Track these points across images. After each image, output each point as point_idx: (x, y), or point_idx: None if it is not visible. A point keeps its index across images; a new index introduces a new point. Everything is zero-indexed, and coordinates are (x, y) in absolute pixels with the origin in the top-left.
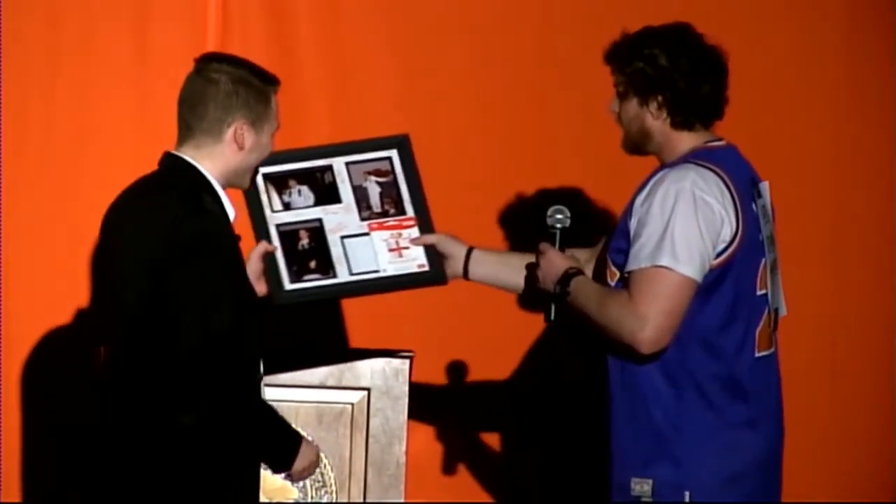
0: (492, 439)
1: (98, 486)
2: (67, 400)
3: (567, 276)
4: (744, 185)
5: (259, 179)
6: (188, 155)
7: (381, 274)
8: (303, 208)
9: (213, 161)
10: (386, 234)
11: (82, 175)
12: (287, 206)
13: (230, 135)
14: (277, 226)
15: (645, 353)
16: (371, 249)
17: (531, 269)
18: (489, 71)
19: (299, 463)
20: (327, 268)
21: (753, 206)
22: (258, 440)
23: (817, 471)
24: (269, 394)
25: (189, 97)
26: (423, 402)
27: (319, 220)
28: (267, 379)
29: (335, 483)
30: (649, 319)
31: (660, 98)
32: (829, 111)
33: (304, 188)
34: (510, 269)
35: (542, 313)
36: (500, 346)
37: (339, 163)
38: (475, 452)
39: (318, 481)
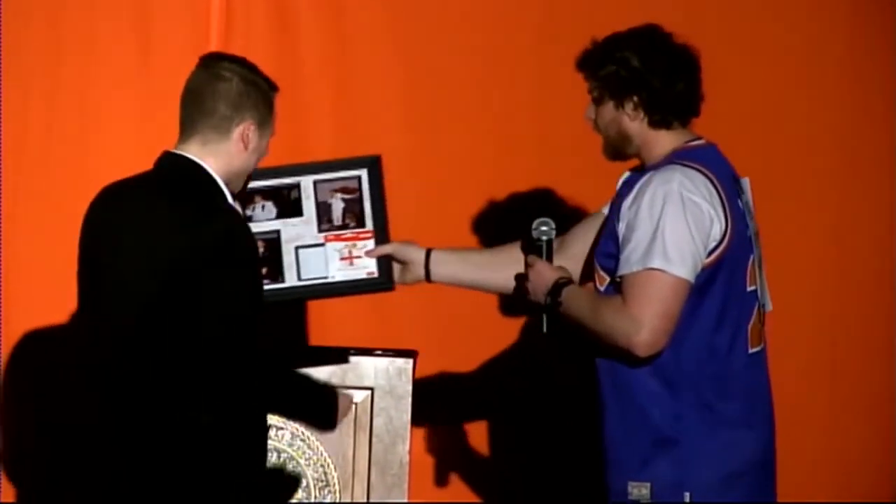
0: (495, 439)
1: (99, 487)
2: (67, 400)
3: (557, 287)
4: (728, 182)
5: None
6: (192, 152)
7: (329, 280)
8: (263, 221)
9: (217, 159)
10: (340, 244)
11: (84, 175)
12: (248, 220)
13: (238, 134)
14: None
15: (642, 357)
16: (323, 258)
17: (520, 281)
18: (492, 72)
19: (339, 416)
20: (276, 274)
21: (739, 202)
22: (302, 409)
23: (817, 471)
24: None
25: (198, 92)
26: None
27: (278, 231)
28: None
29: (338, 482)
30: (645, 322)
31: (635, 98)
32: (832, 110)
33: (269, 203)
34: (472, 267)
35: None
36: (505, 346)
37: (307, 180)
38: (478, 453)
39: (322, 481)
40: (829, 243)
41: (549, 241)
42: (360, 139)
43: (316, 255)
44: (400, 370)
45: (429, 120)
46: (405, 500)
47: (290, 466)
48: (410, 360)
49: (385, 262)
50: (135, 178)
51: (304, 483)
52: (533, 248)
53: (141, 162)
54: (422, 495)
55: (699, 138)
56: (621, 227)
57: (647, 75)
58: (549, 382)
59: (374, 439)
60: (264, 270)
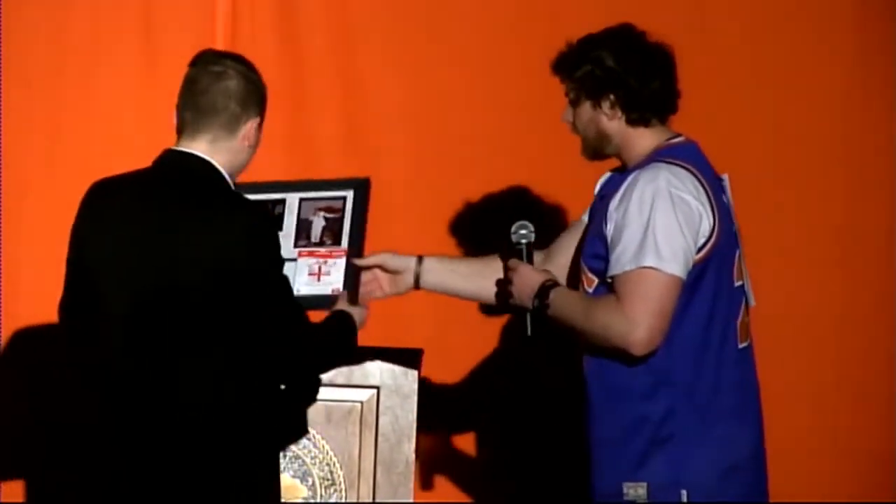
0: (497, 439)
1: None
2: (67, 400)
3: (544, 289)
4: (712, 179)
5: None
6: (201, 150)
7: (294, 293)
8: None
9: (224, 156)
10: (312, 260)
11: (89, 175)
12: None
13: (244, 131)
14: None
15: (638, 356)
16: (292, 272)
17: (502, 286)
18: (498, 73)
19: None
20: None
21: (724, 198)
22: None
23: (817, 470)
24: None
25: (203, 91)
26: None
27: None
28: None
29: (344, 482)
30: (640, 321)
31: (612, 97)
32: (836, 111)
33: None
34: (459, 277)
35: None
36: (510, 346)
37: (293, 198)
38: (481, 452)
39: (327, 479)
40: (833, 242)
41: (529, 245)
42: (364, 139)
43: (286, 270)
44: (406, 369)
45: (434, 120)
46: (411, 499)
47: (296, 465)
48: (416, 359)
49: (352, 280)
50: (134, 174)
51: (310, 482)
52: (512, 252)
53: (146, 161)
54: (427, 494)
55: (679, 136)
56: (609, 228)
57: (622, 74)
58: (538, 384)
59: (379, 438)
60: None
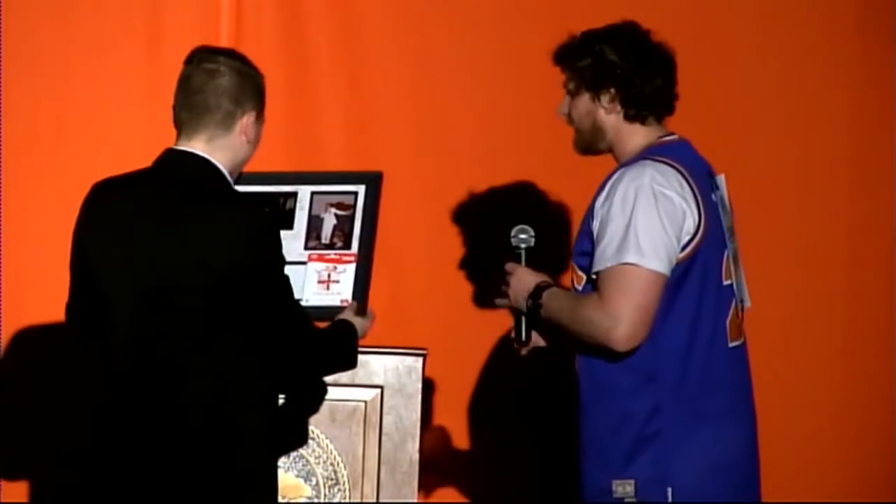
0: (499, 438)
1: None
2: (70, 400)
3: (538, 290)
4: (701, 177)
5: None
6: (199, 149)
7: (303, 303)
8: None
9: (223, 153)
10: (321, 265)
11: (92, 173)
12: None
13: (241, 127)
14: None
15: (620, 351)
16: (302, 279)
17: (501, 292)
18: (502, 70)
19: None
20: None
21: (713, 196)
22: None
23: (817, 471)
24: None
25: (197, 89)
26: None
27: None
28: None
29: (348, 481)
30: (622, 317)
31: (612, 91)
32: (839, 110)
33: None
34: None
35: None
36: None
37: (304, 191)
38: (483, 452)
39: (331, 479)
40: (835, 242)
41: (529, 249)
42: (370, 136)
43: (296, 275)
44: (410, 368)
45: (439, 114)
46: (415, 499)
47: (300, 465)
48: (420, 359)
49: (361, 288)
50: (134, 174)
51: (314, 482)
52: (512, 256)
53: (150, 158)
54: (431, 494)
55: (672, 134)
56: (595, 225)
57: (625, 68)
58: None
59: (383, 438)
60: None
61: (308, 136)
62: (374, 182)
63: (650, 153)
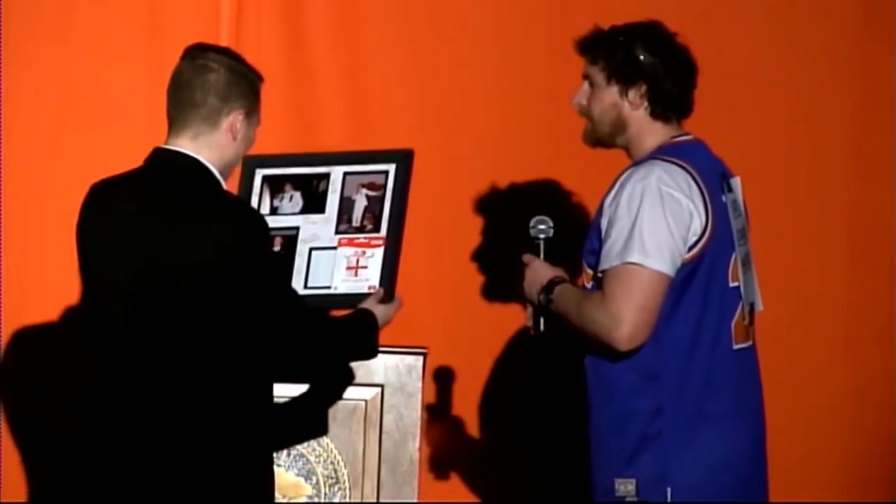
0: (500, 437)
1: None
2: (66, 399)
3: (551, 285)
4: (712, 178)
5: (257, 180)
6: (185, 146)
7: (331, 291)
8: (287, 215)
9: (210, 150)
10: (351, 251)
11: (93, 173)
12: (274, 211)
13: (227, 124)
14: None
15: (622, 350)
16: (331, 264)
17: (518, 282)
18: (503, 71)
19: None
20: None
21: (723, 198)
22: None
23: (817, 470)
24: (282, 390)
25: (185, 85)
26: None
27: (297, 228)
28: None
29: (348, 480)
30: (624, 317)
31: (643, 88)
32: (840, 111)
33: (297, 194)
34: None
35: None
36: (514, 344)
37: (337, 172)
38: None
39: (332, 478)
40: (837, 243)
41: (548, 240)
42: (371, 133)
43: (326, 260)
44: (410, 367)
45: (440, 114)
46: (415, 498)
47: (300, 464)
48: (421, 358)
49: (389, 273)
50: (128, 174)
51: (314, 480)
52: (530, 247)
53: None
54: (432, 493)
55: (686, 134)
56: (603, 223)
57: (657, 66)
58: (544, 382)
59: (384, 436)
60: None
61: (308, 136)
62: (404, 160)
63: (661, 153)
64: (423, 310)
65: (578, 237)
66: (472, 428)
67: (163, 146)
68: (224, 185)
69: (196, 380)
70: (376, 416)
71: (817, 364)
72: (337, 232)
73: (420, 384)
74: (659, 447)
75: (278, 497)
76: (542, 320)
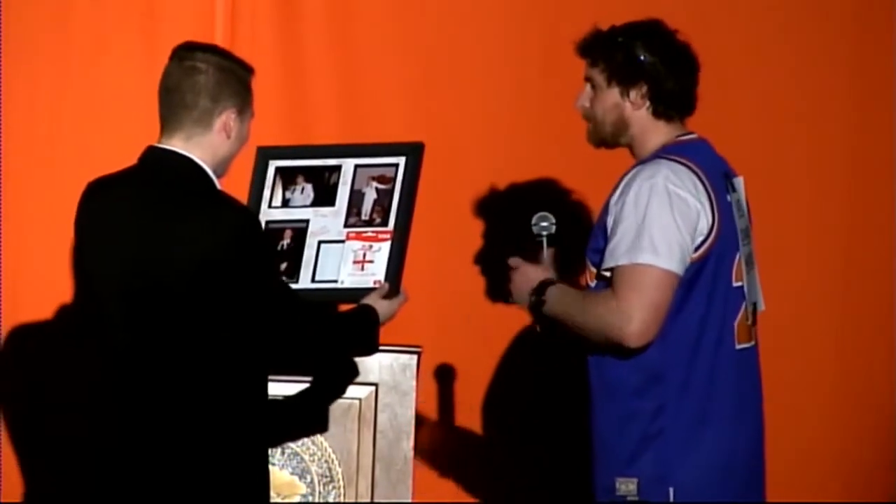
0: (496, 437)
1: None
2: (63, 398)
3: (542, 286)
4: (717, 178)
5: (270, 172)
6: (178, 147)
7: (338, 285)
8: (298, 207)
9: (203, 151)
10: (358, 244)
11: (91, 173)
12: (286, 203)
13: (220, 124)
14: (268, 222)
15: (632, 348)
16: (339, 258)
17: (504, 284)
18: (499, 69)
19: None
20: (293, 272)
21: (728, 198)
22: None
23: (818, 470)
24: (277, 388)
25: (175, 87)
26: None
27: (307, 221)
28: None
29: (343, 478)
30: (634, 314)
31: (644, 88)
32: (838, 109)
33: (309, 186)
34: None
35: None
36: (509, 343)
37: (348, 164)
38: (480, 450)
39: (326, 476)
40: (834, 243)
41: (550, 236)
42: (366, 132)
43: (334, 254)
44: (404, 366)
45: (435, 113)
46: (409, 497)
47: (294, 462)
48: (415, 356)
49: (394, 267)
50: (122, 173)
51: (308, 479)
52: (533, 244)
53: None
54: (426, 491)
55: (690, 133)
56: (609, 222)
57: (657, 65)
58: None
59: (378, 435)
60: (283, 266)
61: (302, 134)
62: (414, 154)
63: (666, 152)
64: (418, 308)
65: (576, 236)
66: (466, 427)
67: (156, 145)
68: (218, 184)
69: (192, 378)
70: (370, 415)
71: (813, 364)
72: (346, 225)
73: (414, 383)
74: (660, 447)
75: (273, 496)
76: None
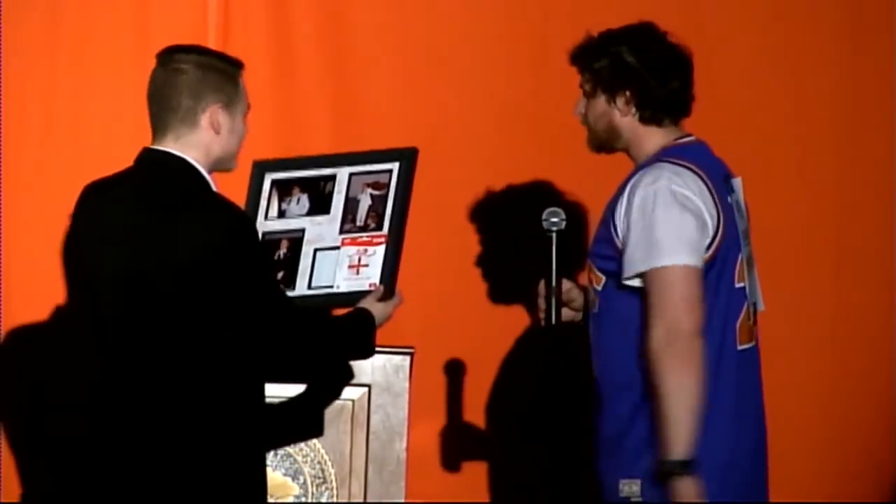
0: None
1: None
2: (61, 398)
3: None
4: (718, 180)
5: (266, 184)
6: (171, 147)
7: (334, 290)
8: (294, 217)
9: (195, 150)
10: (353, 249)
11: (82, 172)
12: (282, 214)
13: (205, 120)
14: (265, 233)
15: (697, 342)
16: (334, 264)
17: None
18: (490, 72)
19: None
20: (290, 281)
21: (728, 199)
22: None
23: (817, 470)
24: (270, 390)
25: (159, 91)
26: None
27: (303, 230)
28: None
29: (335, 479)
30: (677, 316)
31: (627, 94)
32: (833, 112)
33: (304, 197)
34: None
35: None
36: (502, 343)
37: (343, 172)
38: (475, 450)
39: (319, 478)
40: (830, 243)
41: (560, 232)
42: (359, 133)
43: (329, 260)
44: (397, 367)
45: (428, 115)
46: (402, 497)
47: (287, 463)
48: (408, 357)
49: (389, 271)
50: (118, 175)
51: (301, 480)
52: (543, 240)
53: None
54: (419, 492)
55: (689, 136)
56: (617, 231)
57: (641, 71)
58: (555, 379)
59: (371, 436)
60: (279, 275)
61: (295, 136)
62: (407, 159)
63: (666, 155)
64: (411, 310)
65: (575, 237)
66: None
67: (150, 147)
68: (213, 185)
69: (187, 380)
70: (363, 416)
71: (816, 364)
72: (341, 232)
73: (407, 384)
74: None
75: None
76: (552, 316)
